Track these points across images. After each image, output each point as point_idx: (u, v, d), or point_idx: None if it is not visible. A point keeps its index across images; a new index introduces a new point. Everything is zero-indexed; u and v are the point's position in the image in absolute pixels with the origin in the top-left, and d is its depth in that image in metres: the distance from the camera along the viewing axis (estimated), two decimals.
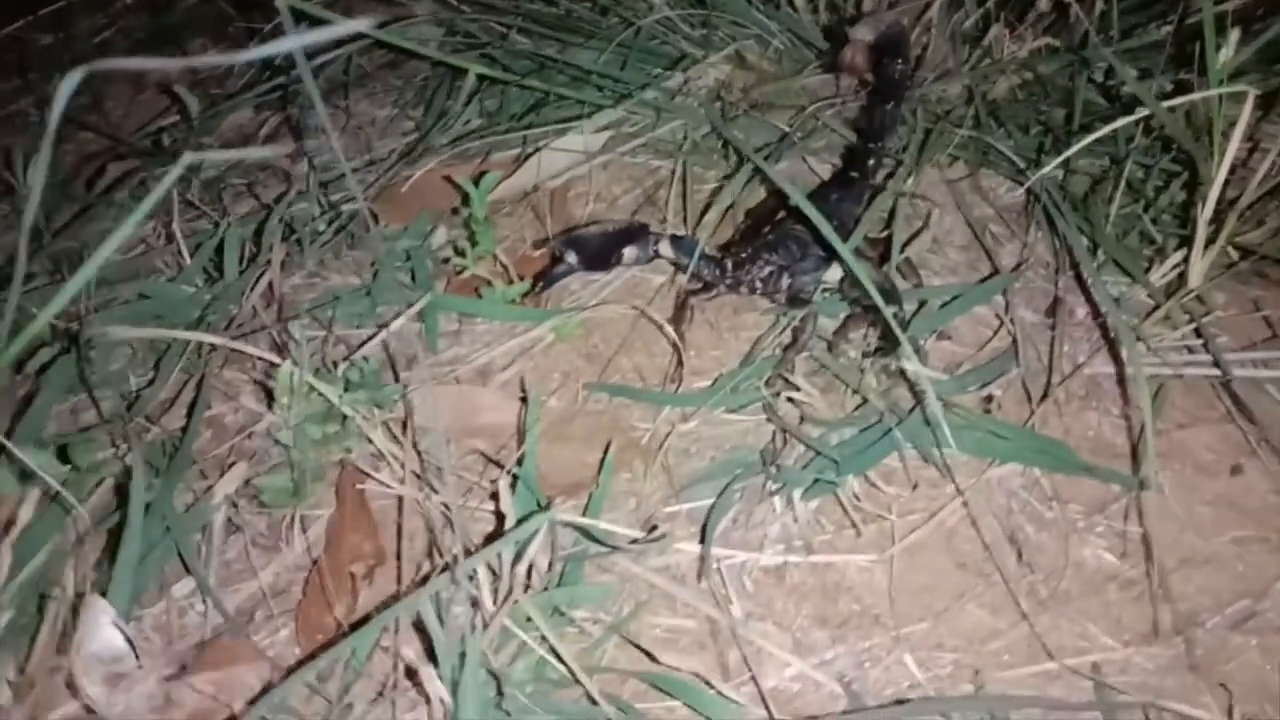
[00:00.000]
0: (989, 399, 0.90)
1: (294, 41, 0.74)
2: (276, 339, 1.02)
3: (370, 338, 1.01)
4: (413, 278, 1.08)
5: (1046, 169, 0.85)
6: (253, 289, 1.05)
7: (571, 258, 0.91)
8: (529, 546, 0.71)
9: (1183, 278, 0.93)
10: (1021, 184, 1.04)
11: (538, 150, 1.24)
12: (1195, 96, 0.79)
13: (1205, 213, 0.82)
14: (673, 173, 1.18)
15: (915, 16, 1.27)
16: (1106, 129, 0.80)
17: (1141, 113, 0.82)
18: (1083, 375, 0.92)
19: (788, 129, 1.17)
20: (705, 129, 1.19)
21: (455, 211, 1.14)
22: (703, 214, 1.08)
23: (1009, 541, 0.80)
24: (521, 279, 1.03)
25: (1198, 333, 0.90)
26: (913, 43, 1.17)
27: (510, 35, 1.37)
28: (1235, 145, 0.77)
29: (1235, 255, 0.95)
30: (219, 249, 1.09)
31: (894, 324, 0.75)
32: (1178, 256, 0.94)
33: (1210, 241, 0.85)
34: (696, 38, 1.28)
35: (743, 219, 1.07)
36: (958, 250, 1.06)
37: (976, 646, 0.76)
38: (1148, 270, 0.96)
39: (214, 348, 0.99)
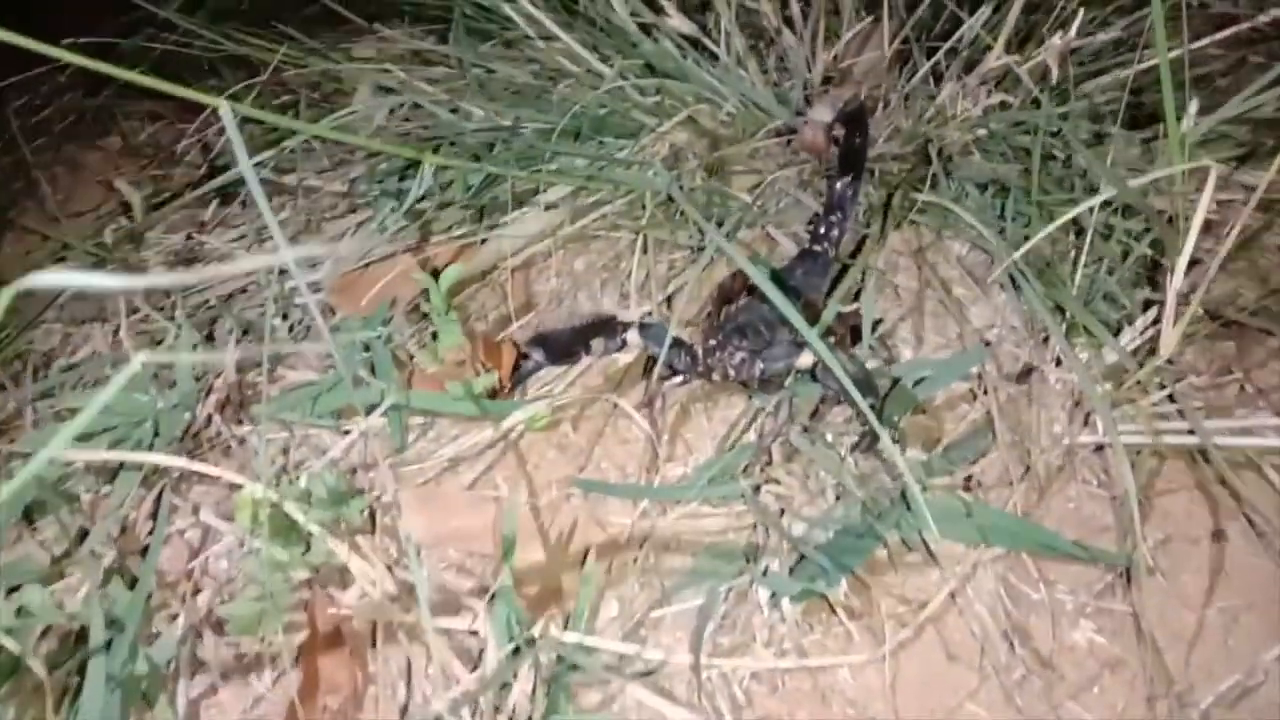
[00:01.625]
0: (969, 476, 0.90)
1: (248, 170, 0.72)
2: (235, 446, 0.99)
3: (334, 440, 0.98)
4: (373, 371, 1.05)
5: (1019, 253, 0.84)
6: (207, 396, 1.01)
7: (539, 355, 0.89)
8: (514, 687, 0.68)
9: (1152, 340, 0.93)
10: (984, 250, 1.04)
11: (496, 228, 1.22)
12: (1159, 174, 0.79)
13: (1175, 283, 0.82)
14: (634, 243, 1.17)
15: (865, 72, 1.27)
16: (1070, 213, 0.79)
17: (1106, 194, 0.81)
18: (1060, 444, 0.92)
19: (748, 198, 1.16)
20: (664, 196, 1.18)
21: (415, 296, 1.11)
22: (668, 295, 1.06)
23: (1000, 636, 0.79)
24: (487, 368, 1.01)
25: (1171, 398, 0.90)
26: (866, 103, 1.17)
27: (460, 108, 1.35)
28: (1200, 220, 0.77)
29: (1203, 313, 0.95)
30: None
31: (872, 418, 0.74)
32: (1147, 317, 0.94)
33: (1180, 308, 0.84)
34: (649, 105, 1.27)
35: (712, 292, 1.06)
36: (926, 317, 1.05)
37: None
38: (1117, 333, 0.96)
39: None
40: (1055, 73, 0.96)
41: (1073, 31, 0.92)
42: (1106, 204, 0.98)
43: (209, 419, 1.01)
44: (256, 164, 1.05)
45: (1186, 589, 0.84)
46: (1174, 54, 0.88)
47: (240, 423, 1.02)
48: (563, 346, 0.90)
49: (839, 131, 0.95)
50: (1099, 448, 0.91)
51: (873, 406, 0.79)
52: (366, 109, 1.38)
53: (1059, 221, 0.78)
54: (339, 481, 0.89)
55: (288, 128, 0.90)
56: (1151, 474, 0.90)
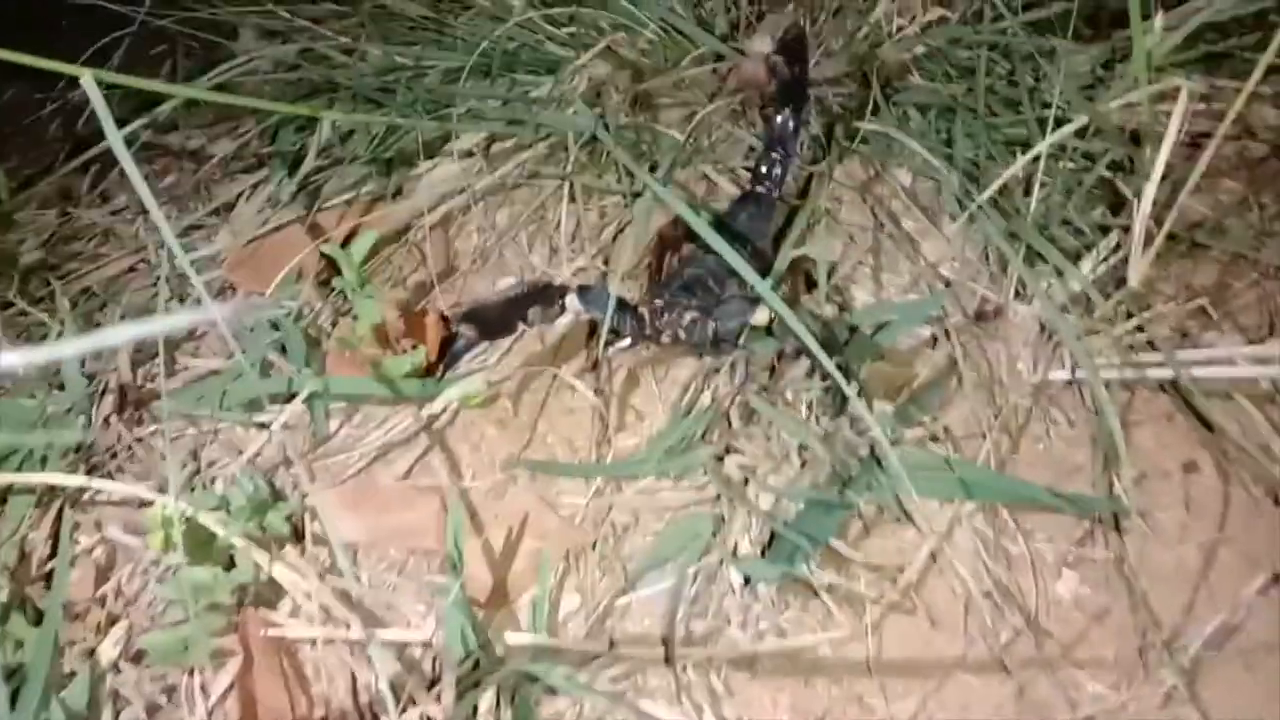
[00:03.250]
0: (937, 423, 0.85)
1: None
2: (138, 450, 0.89)
3: (248, 436, 0.89)
4: (285, 353, 0.95)
5: (982, 196, 0.78)
6: (101, 396, 0.91)
7: (471, 332, 0.81)
8: (479, 706, 0.62)
9: (1115, 267, 0.89)
10: (932, 178, 0.98)
11: (406, 182, 1.12)
12: (1131, 97, 0.73)
13: (1144, 209, 0.77)
14: (560, 190, 1.08)
15: None
16: (1040, 146, 0.74)
17: (1077, 123, 0.75)
18: (1028, 383, 0.88)
19: (680, 135, 1.08)
20: (589, 137, 1.09)
21: (323, 266, 1.02)
22: (602, 247, 0.98)
23: (983, 596, 0.75)
24: (413, 345, 0.92)
25: (1140, 328, 0.86)
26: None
27: (355, 49, 1.23)
28: (1170, 143, 0.72)
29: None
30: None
31: (842, 381, 0.69)
32: (1109, 241, 0.90)
33: (1149, 239, 0.80)
34: (564, 37, 1.17)
35: (651, 242, 0.98)
36: (877, 255, 0.99)
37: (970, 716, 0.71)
38: (1076, 260, 0.91)
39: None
40: None
41: None
42: (1059, 123, 0.92)
43: (106, 422, 0.90)
44: (132, 131, 0.93)
45: (1163, 526, 0.81)
46: None
47: (141, 422, 0.92)
48: (496, 320, 0.82)
49: (778, 61, 0.87)
50: (1069, 384, 0.87)
51: (838, 365, 0.73)
52: (251, 56, 1.26)
53: (1026, 158, 0.72)
54: (258, 486, 0.81)
55: (160, 92, 0.79)
56: (1121, 408, 0.87)
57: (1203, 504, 0.83)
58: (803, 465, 0.80)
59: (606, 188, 1.08)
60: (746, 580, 0.73)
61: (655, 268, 0.95)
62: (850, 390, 0.68)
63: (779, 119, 0.92)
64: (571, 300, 0.85)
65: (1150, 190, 0.76)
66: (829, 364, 0.68)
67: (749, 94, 1.05)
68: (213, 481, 0.86)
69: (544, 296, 0.83)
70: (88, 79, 0.68)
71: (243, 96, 1.26)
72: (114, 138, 0.67)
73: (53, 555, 0.83)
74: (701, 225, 0.72)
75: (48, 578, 0.82)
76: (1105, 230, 0.92)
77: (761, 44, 0.82)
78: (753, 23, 1.17)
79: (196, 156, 1.26)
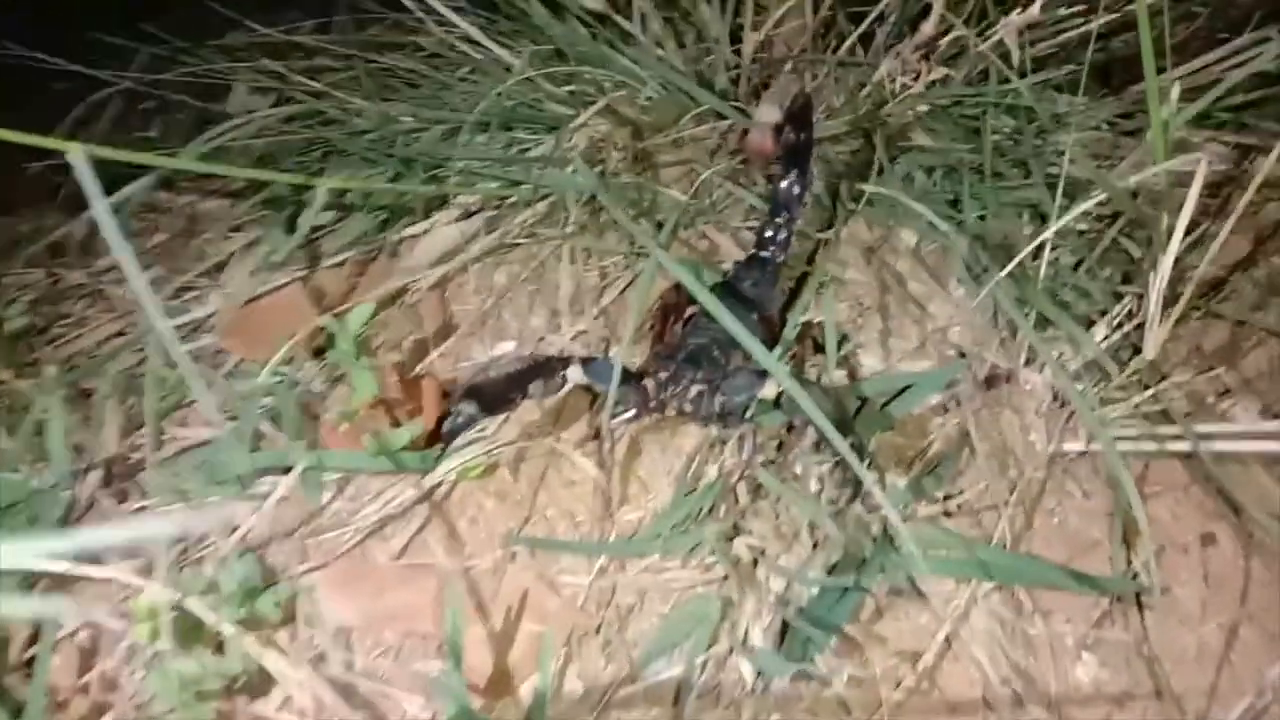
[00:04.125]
0: (949, 497, 0.83)
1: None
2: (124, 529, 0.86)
3: (239, 511, 0.86)
4: (277, 423, 0.93)
5: (999, 275, 0.76)
6: (87, 471, 0.88)
7: (471, 408, 0.79)
8: None
9: (1129, 335, 0.87)
10: (937, 233, 0.96)
11: (403, 241, 1.10)
12: (1148, 174, 0.72)
13: (1160, 282, 0.75)
14: (559, 248, 1.06)
15: (789, 41, 1.17)
16: (1046, 232, 0.72)
17: (1097, 197, 0.74)
18: (1042, 455, 0.86)
19: (681, 195, 1.06)
20: (588, 195, 1.08)
21: (318, 330, 0.99)
22: (604, 308, 0.96)
23: (1002, 682, 0.73)
24: (409, 413, 0.90)
25: (1155, 398, 0.84)
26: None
27: (350, 103, 1.22)
28: (1188, 216, 0.70)
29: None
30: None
31: (858, 466, 0.66)
32: (1122, 307, 0.88)
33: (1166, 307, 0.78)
34: (563, 95, 1.15)
35: (653, 306, 0.96)
36: (884, 318, 0.97)
37: None
38: (1088, 327, 0.90)
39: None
40: (1015, 55, 0.88)
41: (1035, 8, 0.84)
42: (1070, 185, 0.91)
43: (92, 500, 0.88)
44: (121, 198, 0.91)
45: (1183, 604, 0.79)
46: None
47: (128, 497, 0.89)
48: (497, 396, 0.80)
49: (784, 129, 0.85)
50: (1083, 455, 0.85)
51: (852, 445, 0.71)
52: (244, 113, 1.24)
53: (1045, 234, 0.70)
54: (250, 569, 0.78)
55: (147, 164, 0.77)
56: (1136, 477, 0.85)
57: (1222, 578, 0.80)
58: (815, 546, 0.78)
59: (607, 248, 1.07)
60: (759, 674, 0.71)
61: (658, 333, 0.93)
62: (865, 475, 0.66)
63: (784, 184, 0.90)
64: (574, 372, 0.83)
65: (1167, 264, 0.74)
66: (843, 446, 0.66)
67: (754, 161, 1.03)
68: (201, 561, 0.83)
69: (546, 369, 0.81)
70: (76, 156, 0.65)
71: (235, 165, 1.24)
72: (103, 215, 0.65)
73: (34, 640, 0.79)
74: (708, 298, 0.70)
75: (29, 664, 0.79)
76: (1118, 296, 0.91)
77: (769, 114, 0.81)
78: (752, 78, 1.15)
79: (189, 212, 1.24)
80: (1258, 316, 0.92)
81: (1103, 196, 0.75)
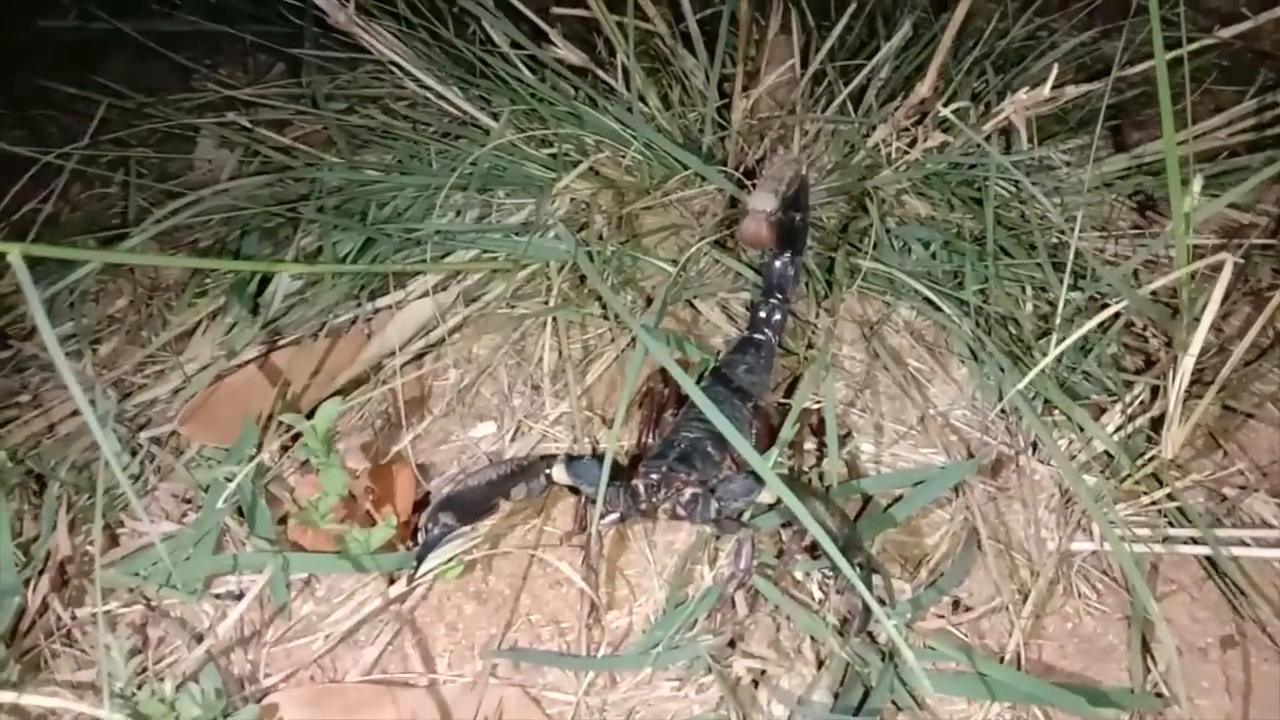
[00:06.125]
0: (957, 601, 0.79)
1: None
2: (78, 635, 0.81)
3: (200, 614, 0.81)
4: (240, 513, 0.87)
5: (1019, 385, 0.72)
6: (40, 575, 0.82)
7: (450, 520, 0.73)
8: None
9: (1142, 425, 0.83)
10: (936, 312, 0.92)
11: (380, 311, 1.05)
12: (1168, 280, 0.68)
13: (1180, 383, 0.71)
14: (540, 318, 1.01)
15: (774, 92, 1.13)
16: (1072, 338, 0.67)
17: (1115, 307, 0.70)
18: (1052, 554, 0.81)
19: (667, 266, 1.02)
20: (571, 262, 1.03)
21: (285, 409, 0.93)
22: (588, 386, 0.91)
23: None
24: (380, 509, 0.84)
25: (1171, 496, 0.80)
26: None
27: (322, 160, 1.16)
28: (1211, 317, 0.66)
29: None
30: None
31: (867, 596, 0.62)
32: (1134, 394, 0.84)
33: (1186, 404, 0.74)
34: (543, 159, 1.10)
35: (640, 392, 0.91)
36: (881, 398, 0.93)
37: None
38: (1098, 415, 0.86)
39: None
40: (1023, 134, 0.84)
41: (1046, 89, 0.80)
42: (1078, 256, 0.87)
43: (44, 605, 0.82)
44: (69, 284, 0.85)
45: (1205, 714, 0.75)
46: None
47: (82, 602, 0.83)
48: (477, 504, 0.75)
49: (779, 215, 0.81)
50: (1094, 553, 0.81)
51: (857, 565, 0.66)
52: (210, 167, 1.19)
53: (1062, 346, 0.66)
54: (214, 691, 0.73)
55: (83, 259, 0.72)
56: (1149, 574, 0.81)
57: (1246, 685, 0.76)
58: (819, 665, 0.73)
59: (591, 313, 1.02)
60: None
61: (648, 417, 0.88)
62: (874, 605, 0.61)
63: (777, 264, 0.86)
64: (559, 472, 0.78)
65: (1187, 365, 0.70)
66: (850, 572, 0.61)
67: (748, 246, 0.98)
68: (161, 679, 0.77)
69: (529, 472, 0.76)
70: (15, 258, 0.60)
71: (200, 226, 1.18)
72: (42, 321, 0.60)
73: None
74: (700, 398, 0.65)
75: None
76: (1129, 384, 0.87)
77: (764, 202, 0.77)
78: (739, 138, 1.11)
79: (152, 274, 1.17)
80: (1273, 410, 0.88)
81: (1121, 306, 0.71)
